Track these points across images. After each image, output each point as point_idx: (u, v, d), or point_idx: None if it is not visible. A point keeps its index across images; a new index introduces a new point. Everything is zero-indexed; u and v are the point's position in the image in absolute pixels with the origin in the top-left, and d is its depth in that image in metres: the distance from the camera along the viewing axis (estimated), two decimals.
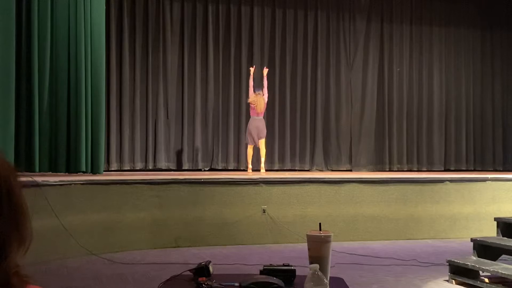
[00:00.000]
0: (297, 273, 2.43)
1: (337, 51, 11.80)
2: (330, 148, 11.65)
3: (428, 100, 12.25)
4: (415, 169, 11.95)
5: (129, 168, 10.35)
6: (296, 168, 11.30)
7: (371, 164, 11.78)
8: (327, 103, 11.68)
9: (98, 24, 8.16)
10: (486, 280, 5.15)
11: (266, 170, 9.93)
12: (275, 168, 11.04)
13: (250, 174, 9.04)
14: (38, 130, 7.57)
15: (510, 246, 5.31)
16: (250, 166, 9.84)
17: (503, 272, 4.90)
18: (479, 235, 6.21)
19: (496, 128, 12.57)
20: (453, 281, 5.38)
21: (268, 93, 9.85)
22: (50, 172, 7.73)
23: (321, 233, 2.36)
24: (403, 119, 12.06)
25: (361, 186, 8.27)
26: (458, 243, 7.69)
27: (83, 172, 7.85)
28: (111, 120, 10.19)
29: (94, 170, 8.00)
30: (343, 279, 2.62)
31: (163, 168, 10.55)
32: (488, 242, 5.58)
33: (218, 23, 11.08)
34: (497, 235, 5.75)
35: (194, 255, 6.59)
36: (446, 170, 12.00)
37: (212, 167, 10.91)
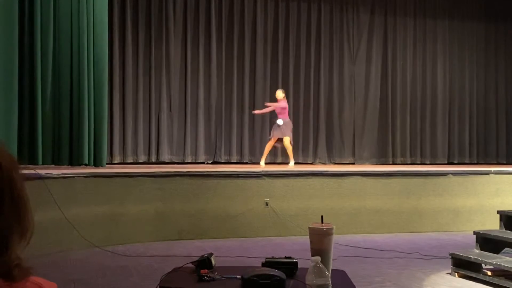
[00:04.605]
0: (299, 266, 2.44)
1: (340, 44, 11.77)
2: (333, 141, 11.64)
3: (432, 93, 12.22)
4: (418, 162, 11.94)
5: (132, 161, 10.36)
6: (299, 161, 11.29)
7: (374, 157, 11.77)
8: (330, 96, 11.66)
9: (100, 17, 8.15)
10: (489, 273, 5.14)
11: (267, 163, 9.89)
12: (278, 161, 11.04)
13: (253, 167, 9.03)
14: (41, 123, 7.57)
15: None
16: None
17: (506, 265, 4.90)
18: (482, 228, 6.20)
19: (500, 121, 12.54)
20: (456, 274, 5.39)
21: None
22: (53, 165, 7.74)
23: (323, 226, 2.36)
24: (406, 112, 12.04)
25: (364, 179, 8.26)
26: (461, 236, 7.69)
27: (86, 165, 7.86)
28: (114, 113, 10.19)
29: (97, 163, 8.01)
30: (345, 272, 2.62)
31: (166, 161, 10.55)
32: (491, 235, 5.58)
33: (221, 16, 11.06)
34: (500, 228, 5.75)
35: (197, 248, 6.60)
36: (449, 163, 11.99)
37: (215, 160, 10.91)
